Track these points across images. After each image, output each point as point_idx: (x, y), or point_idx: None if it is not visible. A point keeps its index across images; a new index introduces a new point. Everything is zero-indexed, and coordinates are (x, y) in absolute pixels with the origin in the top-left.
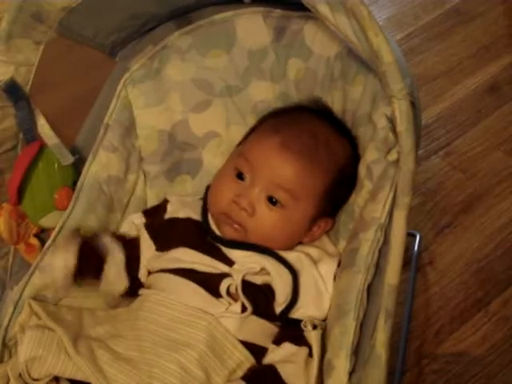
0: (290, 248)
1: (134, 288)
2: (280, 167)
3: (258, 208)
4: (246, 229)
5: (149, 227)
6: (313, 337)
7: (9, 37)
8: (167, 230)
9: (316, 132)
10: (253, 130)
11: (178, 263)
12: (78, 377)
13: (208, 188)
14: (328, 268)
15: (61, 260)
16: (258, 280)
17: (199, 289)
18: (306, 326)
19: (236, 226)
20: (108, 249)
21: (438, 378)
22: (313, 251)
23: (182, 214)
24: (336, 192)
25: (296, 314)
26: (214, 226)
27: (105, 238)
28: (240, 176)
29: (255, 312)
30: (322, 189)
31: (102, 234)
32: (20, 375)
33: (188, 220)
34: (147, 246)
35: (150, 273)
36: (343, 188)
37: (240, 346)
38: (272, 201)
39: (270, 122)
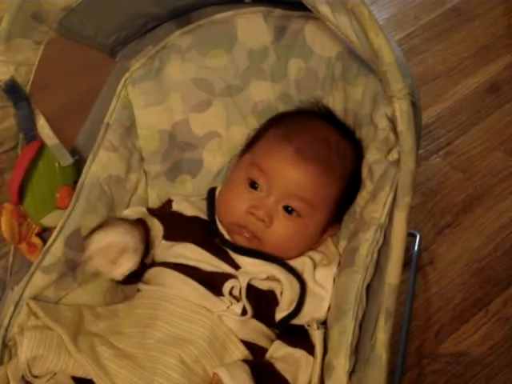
0: (301, 255)
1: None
2: (296, 177)
3: (275, 218)
4: (262, 239)
5: (156, 215)
6: (316, 336)
7: (9, 36)
8: (176, 221)
9: (328, 139)
10: (258, 137)
11: (183, 259)
12: (80, 373)
13: (210, 191)
14: (327, 272)
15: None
16: (264, 285)
17: (199, 287)
18: (309, 325)
19: (250, 237)
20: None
21: (438, 378)
22: (316, 255)
23: (189, 212)
24: (347, 197)
25: (295, 320)
26: (222, 230)
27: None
28: (253, 185)
29: (255, 316)
30: (336, 196)
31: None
32: (22, 377)
33: (195, 218)
34: (156, 228)
35: (150, 265)
36: (353, 193)
37: (241, 346)
38: (288, 210)
39: (279, 129)
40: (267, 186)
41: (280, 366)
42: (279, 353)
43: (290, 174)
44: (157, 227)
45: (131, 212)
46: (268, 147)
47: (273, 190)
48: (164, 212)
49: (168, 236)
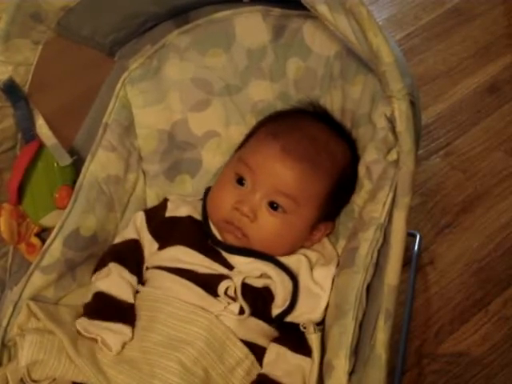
0: (292, 253)
1: None
2: (281, 173)
3: (260, 214)
4: (248, 236)
5: (150, 226)
6: (313, 340)
7: (7, 37)
8: (168, 228)
9: (316, 136)
10: (251, 135)
11: (177, 263)
12: (79, 379)
13: (208, 190)
14: (325, 272)
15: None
16: (258, 283)
17: (196, 288)
18: (305, 328)
19: (239, 234)
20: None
21: (438, 378)
22: (312, 254)
23: (183, 212)
24: (337, 196)
25: (291, 317)
26: (215, 231)
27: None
28: (240, 181)
29: (253, 314)
30: (324, 193)
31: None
32: (21, 379)
33: (189, 218)
34: (149, 245)
35: (146, 268)
36: (344, 191)
37: (240, 344)
38: (273, 206)
39: (269, 127)
40: (252, 182)
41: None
42: (283, 366)
43: (275, 170)
44: (150, 243)
45: (129, 233)
46: (256, 144)
47: (258, 186)
48: (159, 219)
49: (162, 246)
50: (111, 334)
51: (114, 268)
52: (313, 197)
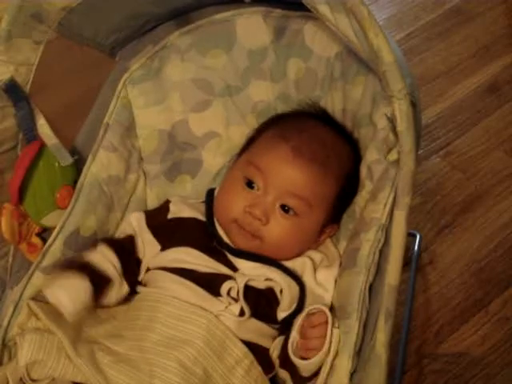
0: (299, 255)
1: (134, 288)
2: (293, 175)
3: (272, 217)
4: (261, 238)
5: (151, 227)
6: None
7: (9, 37)
8: (171, 230)
9: (324, 139)
10: (254, 138)
11: (180, 263)
12: (78, 379)
13: (209, 192)
14: (328, 273)
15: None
16: (262, 285)
17: (197, 288)
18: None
19: (250, 236)
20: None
21: (438, 378)
22: (316, 255)
23: (186, 214)
24: (345, 198)
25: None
26: (221, 233)
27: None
28: (250, 185)
29: (254, 315)
30: (334, 195)
31: (97, 249)
32: (20, 379)
33: (193, 220)
34: (151, 246)
35: (148, 269)
36: (350, 193)
37: (240, 344)
38: (285, 209)
39: (275, 130)
40: (264, 185)
41: None
42: None
43: (287, 171)
44: (152, 245)
45: (125, 231)
46: (265, 146)
47: (270, 188)
48: (161, 221)
49: (165, 247)
50: (62, 291)
51: (101, 247)
52: (323, 199)
